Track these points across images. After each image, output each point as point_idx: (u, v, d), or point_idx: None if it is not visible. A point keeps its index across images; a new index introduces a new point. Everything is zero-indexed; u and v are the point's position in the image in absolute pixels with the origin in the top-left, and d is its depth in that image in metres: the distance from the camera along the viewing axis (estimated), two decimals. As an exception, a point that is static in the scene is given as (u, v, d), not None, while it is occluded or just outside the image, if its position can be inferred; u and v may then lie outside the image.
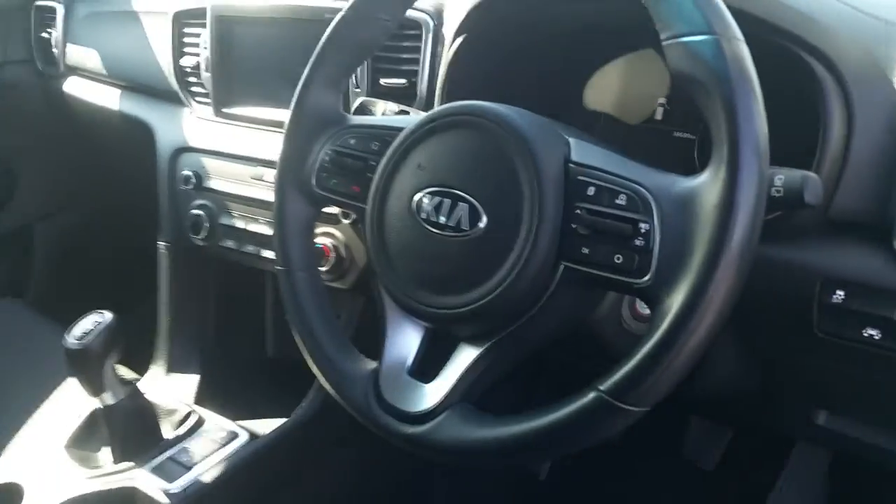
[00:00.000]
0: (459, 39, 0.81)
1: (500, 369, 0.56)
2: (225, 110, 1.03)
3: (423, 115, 0.60)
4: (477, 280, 0.53)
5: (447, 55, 0.81)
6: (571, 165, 0.52)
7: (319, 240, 0.90)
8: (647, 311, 0.65)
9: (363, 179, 0.63)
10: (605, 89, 0.87)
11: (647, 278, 0.47)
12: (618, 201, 0.49)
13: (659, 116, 0.84)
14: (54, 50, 1.34)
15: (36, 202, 1.47)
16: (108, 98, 1.26)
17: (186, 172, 1.03)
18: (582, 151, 0.53)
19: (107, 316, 0.85)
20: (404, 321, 0.59)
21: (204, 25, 1.01)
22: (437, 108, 0.59)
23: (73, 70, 1.33)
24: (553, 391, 0.58)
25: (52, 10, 1.32)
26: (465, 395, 0.55)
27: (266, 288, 1.13)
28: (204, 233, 1.02)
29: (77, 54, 1.31)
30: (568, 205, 0.51)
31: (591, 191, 0.50)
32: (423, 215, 0.56)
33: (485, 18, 0.79)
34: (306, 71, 0.66)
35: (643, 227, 0.47)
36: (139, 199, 1.20)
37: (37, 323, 1.18)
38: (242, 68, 1.01)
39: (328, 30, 0.65)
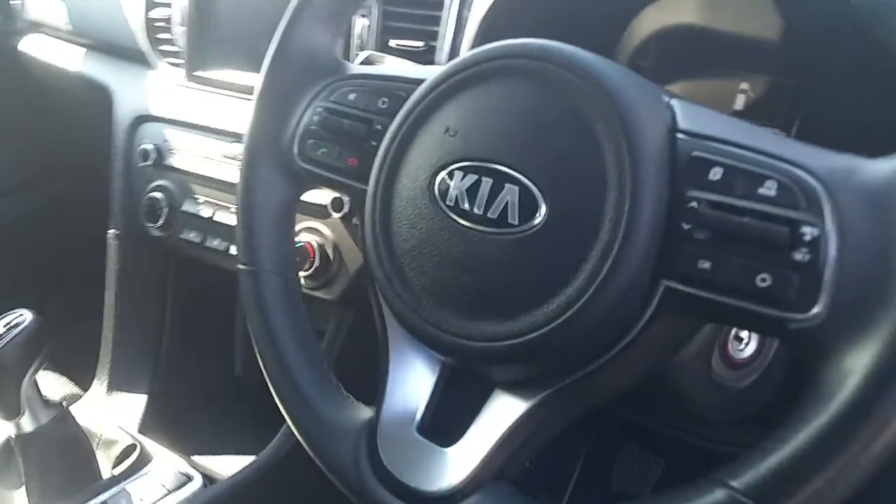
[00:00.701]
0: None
1: (553, 432, 0.38)
2: (198, 73, 0.85)
3: (448, 65, 0.42)
4: (530, 300, 0.35)
5: (480, 8, 0.64)
6: (681, 136, 0.34)
7: (301, 237, 0.72)
8: (746, 355, 0.47)
9: (364, 149, 0.45)
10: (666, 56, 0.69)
11: (814, 313, 0.29)
12: (762, 190, 0.31)
13: (739, 106, 0.67)
14: (13, 2, 1.16)
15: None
16: (68, 59, 1.07)
17: (146, 146, 0.85)
18: (695, 116, 0.35)
19: (27, 316, 0.67)
20: (414, 353, 0.41)
21: (181, -30, 0.84)
22: (473, 51, 0.41)
23: (35, 26, 1.15)
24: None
25: (14, -44, 1.15)
26: (503, 470, 0.37)
27: (236, 292, 0.94)
28: (161, 220, 0.83)
29: (40, 7, 1.12)
30: (676, 194, 0.33)
31: (715, 173, 0.33)
32: (450, 201, 0.38)
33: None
34: (294, 1, 0.48)
35: (808, 232, 0.30)
36: (97, 179, 1.01)
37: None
38: (223, 24, 0.84)
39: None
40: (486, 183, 0.37)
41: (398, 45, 0.70)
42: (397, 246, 0.41)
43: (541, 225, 0.35)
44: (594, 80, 0.36)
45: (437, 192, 0.39)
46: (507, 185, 0.37)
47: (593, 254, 0.34)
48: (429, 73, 0.44)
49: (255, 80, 0.77)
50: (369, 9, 0.71)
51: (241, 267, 0.48)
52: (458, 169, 0.39)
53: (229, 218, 0.79)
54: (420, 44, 0.69)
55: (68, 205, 1.34)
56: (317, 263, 0.70)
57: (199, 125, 0.83)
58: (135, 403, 0.86)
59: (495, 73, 0.39)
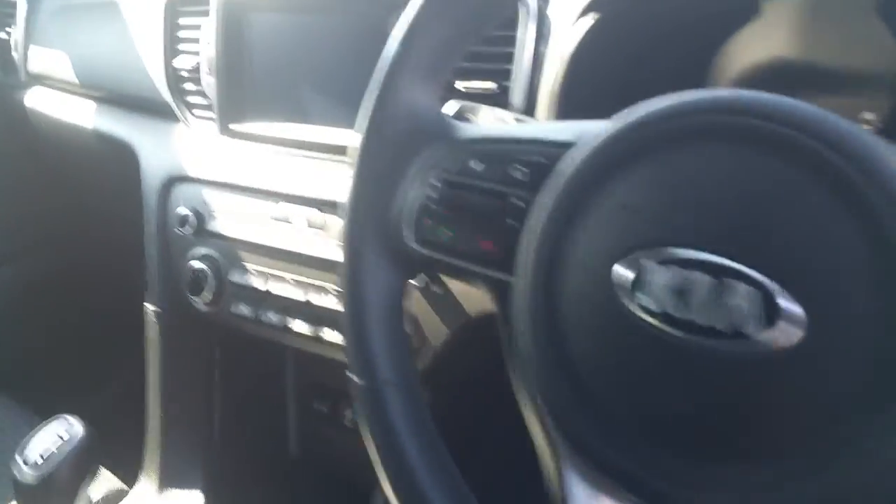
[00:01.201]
0: (588, 19, 0.56)
1: None
2: (233, 126, 0.77)
3: (607, 122, 0.34)
4: (792, 438, 0.27)
5: (566, 43, 0.56)
6: None
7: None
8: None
9: (500, 230, 0.37)
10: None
11: None
12: None
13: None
14: (14, 54, 1.08)
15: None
16: (81, 113, 0.99)
17: (183, 211, 0.77)
18: None
19: (76, 428, 0.58)
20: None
21: (206, 14, 0.76)
22: (650, 104, 0.33)
23: (38, 79, 1.07)
24: None
25: (12, 5, 1.06)
26: None
27: (286, 365, 0.86)
28: (208, 294, 0.75)
29: (43, 59, 1.04)
30: None
31: None
32: (651, 304, 0.30)
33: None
34: (391, 51, 0.40)
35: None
36: (120, 243, 0.93)
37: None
38: (256, 71, 0.75)
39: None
40: (702, 280, 0.29)
41: (467, 88, 0.62)
42: (574, 356, 0.32)
43: (801, 339, 0.27)
44: (865, 161, 0.27)
45: (622, 290, 0.31)
46: (735, 284, 0.28)
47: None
48: (576, 132, 0.35)
49: (299, 131, 0.71)
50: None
51: (355, 381, 0.39)
52: (651, 258, 0.30)
53: (284, 289, 0.70)
54: (492, 85, 0.61)
55: (80, 274, 1.24)
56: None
57: (239, 185, 0.74)
58: (188, 499, 0.76)
59: (697, 133, 0.31)
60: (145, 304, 0.81)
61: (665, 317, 0.30)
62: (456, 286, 0.61)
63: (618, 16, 0.55)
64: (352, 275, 0.40)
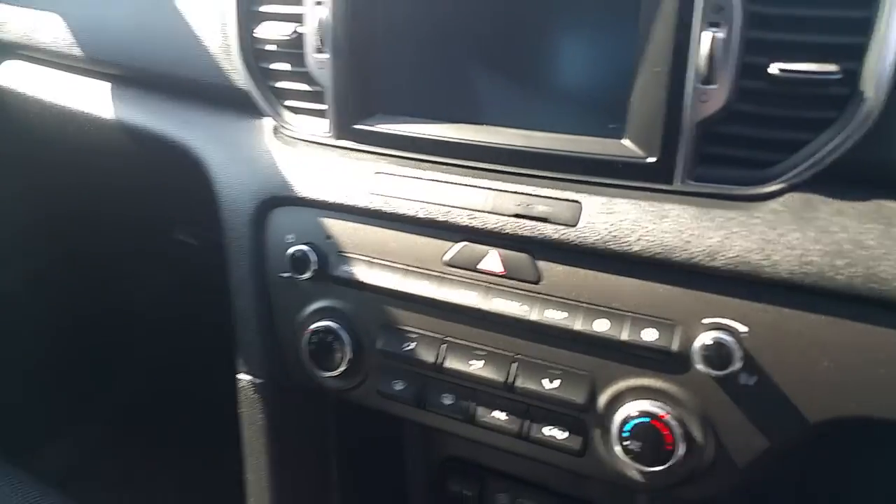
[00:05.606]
0: None
1: None
2: (359, 126, 0.54)
3: None
4: None
5: None
6: None
7: (638, 407, 0.43)
8: None
9: None
10: None
11: None
12: None
13: None
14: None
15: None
16: (84, 97, 0.73)
17: (297, 248, 0.54)
18: None
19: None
20: None
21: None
22: None
23: (10, 49, 0.80)
24: None
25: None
26: None
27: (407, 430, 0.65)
28: (341, 366, 0.53)
29: (19, 22, 0.77)
30: None
31: None
32: None
33: None
34: None
35: None
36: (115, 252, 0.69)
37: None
38: (393, 45, 0.52)
39: None
40: None
41: (785, 70, 0.41)
42: None
43: None
44: None
45: None
46: None
47: None
48: None
49: (474, 133, 0.48)
50: (723, 12, 0.41)
51: None
52: None
53: (469, 364, 0.49)
54: (831, 68, 0.40)
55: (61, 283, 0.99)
56: (680, 453, 0.43)
57: (382, 212, 0.52)
58: None
59: None
60: (239, 374, 0.59)
61: None
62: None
63: None
64: None
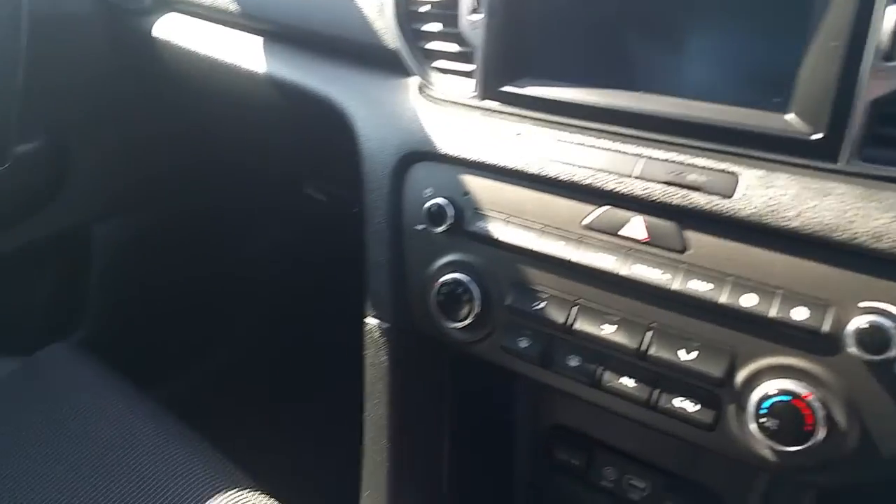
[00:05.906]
0: None
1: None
2: (507, 89, 0.55)
3: None
4: None
5: None
6: None
7: (786, 385, 0.43)
8: None
9: None
10: None
11: None
12: None
13: None
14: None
15: (97, 195, 0.99)
16: (238, 51, 0.77)
17: (434, 200, 0.56)
18: None
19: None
20: None
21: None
22: None
23: (168, 2, 0.85)
24: None
25: None
26: None
27: (517, 393, 0.66)
28: (468, 318, 0.55)
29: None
30: None
31: None
32: None
33: None
34: None
35: None
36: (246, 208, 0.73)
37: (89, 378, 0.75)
38: (552, 4, 0.53)
39: None
40: None
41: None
42: None
43: None
44: None
45: None
46: None
47: None
48: None
49: (631, 100, 0.47)
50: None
51: None
52: None
53: (599, 328, 0.50)
54: None
55: (184, 237, 1.06)
56: (820, 436, 0.42)
57: (524, 172, 0.53)
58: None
59: None
60: (367, 318, 0.62)
61: None
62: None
63: None
64: None
